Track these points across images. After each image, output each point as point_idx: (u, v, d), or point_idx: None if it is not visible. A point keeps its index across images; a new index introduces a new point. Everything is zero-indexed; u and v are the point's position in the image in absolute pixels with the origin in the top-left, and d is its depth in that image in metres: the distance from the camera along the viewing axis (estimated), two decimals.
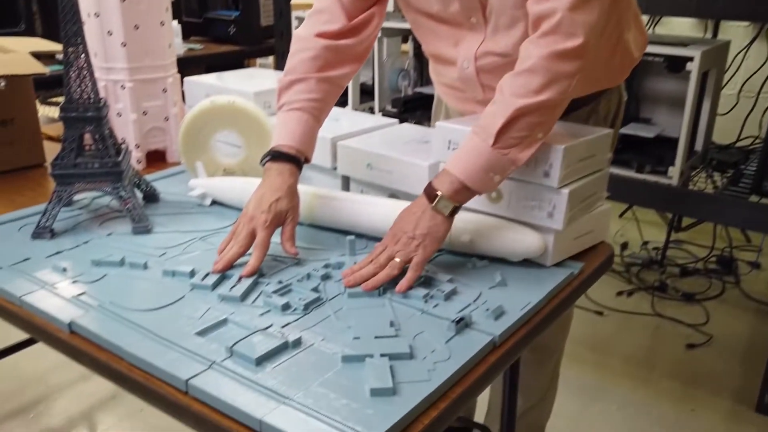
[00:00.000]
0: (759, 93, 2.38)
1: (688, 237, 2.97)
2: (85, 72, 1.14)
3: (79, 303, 0.92)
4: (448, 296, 0.95)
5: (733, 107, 2.40)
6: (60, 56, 1.11)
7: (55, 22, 1.07)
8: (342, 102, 2.58)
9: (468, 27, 1.13)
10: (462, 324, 0.87)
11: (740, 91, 2.44)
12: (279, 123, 1.13)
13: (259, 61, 4.16)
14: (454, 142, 1.09)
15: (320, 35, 1.15)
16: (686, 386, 2.05)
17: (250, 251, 1.02)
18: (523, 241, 1.02)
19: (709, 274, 2.70)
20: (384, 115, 2.51)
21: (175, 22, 3.02)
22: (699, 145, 2.03)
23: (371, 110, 2.56)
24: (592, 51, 0.97)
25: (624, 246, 2.93)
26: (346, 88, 2.50)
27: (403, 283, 0.96)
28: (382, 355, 0.80)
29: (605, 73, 1.23)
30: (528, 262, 1.06)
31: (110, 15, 1.39)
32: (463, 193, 0.99)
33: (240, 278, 0.98)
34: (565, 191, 1.00)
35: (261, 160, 1.11)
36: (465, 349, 0.83)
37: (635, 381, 2.08)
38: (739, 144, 2.32)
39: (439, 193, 0.98)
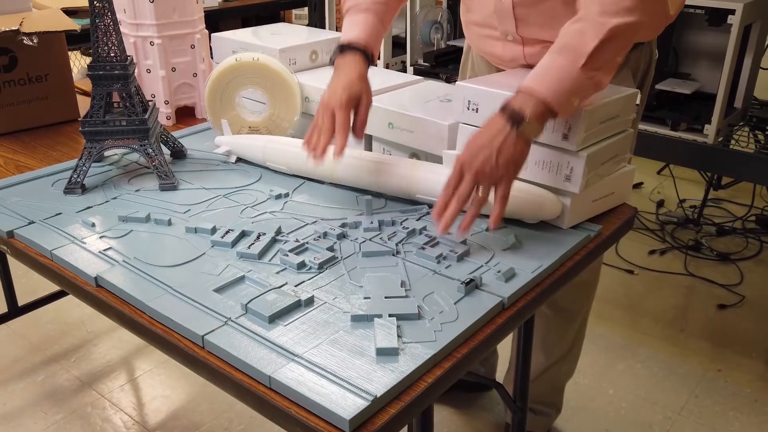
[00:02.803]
0: None
1: (727, 195, 2.90)
2: (112, 30, 1.16)
3: (106, 258, 0.96)
4: (461, 257, 0.96)
5: None
6: None
7: None
8: None
9: None
10: (471, 285, 0.88)
11: None
12: (346, 25, 1.18)
13: (295, 12, 4.14)
14: (474, 103, 1.09)
15: None
16: (714, 347, 2.04)
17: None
18: (539, 203, 1.02)
19: (746, 234, 2.64)
20: (415, 69, 2.48)
21: None
22: (739, 102, 1.96)
23: (403, 64, 2.54)
24: None
25: (660, 204, 2.88)
26: None
27: (493, 220, 0.93)
28: (391, 316, 0.82)
29: None
30: (544, 224, 1.06)
31: None
32: (546, 117, 0.94)
33: (258, 236, 1.00)
34: (584, 155, 0.99)
35: (330, 59, 1.16)
36: (473, 311, 0.84)
37: (663, 340, 2.07)
38: None
39: (526, 116, 0.92)
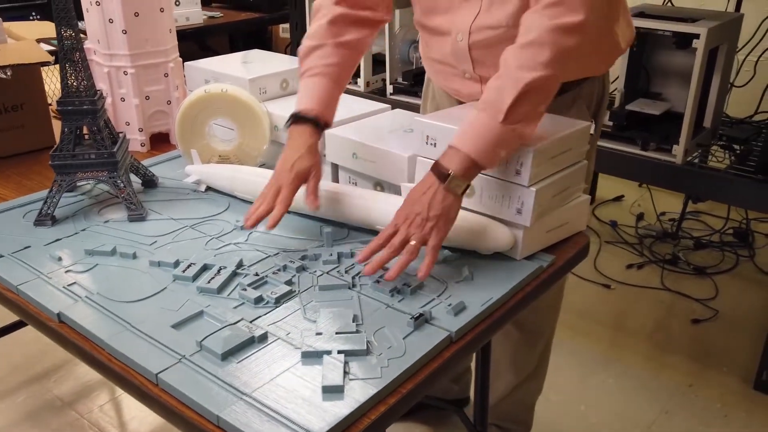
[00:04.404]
0: None
1: (706, 207, 2.94)
2: (80, 66, 1.19)
3: (69, 293, 0.99)
4: (414, 291, 0.99)
5: (750, 80, 2.34)
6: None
7: None
8: (355, 73, 2.59)
9: None
10: (421, 320, 0.91)
11: (756, 63, 2.38)
12: (300, 89, 1.19)
13: (282, 26, 4.17)
14: (432, 138, 1.12)
15: (339, 2, 1.20)
16: (687, 361, 2.07)
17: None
18: (492, 235, 1.06)
19: (723, 247, 2.68)
20: (395, 87, 2.52)
21: None
22: (708, 122, 2.00)
23: (383, 82, 2.57)
24: (591, 29, 0.99)
25: (640, 217, 2.92)
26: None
27: (423, 269, 0.98)
28: (339, 352, 0.85)
29: (592, 60, 1.24)
30: (499, 255, 1.09)
31: (111, 3, 1.43)
32: (473, 170, 1.01)
33: (219, 270, 1.03)
34: (533, 189, 1.02)
35: (285, 125, 1.18)
36: (421, 345, 0.87)
37: (637, 355, 2.11)
38: (757, 118, 2.27)
39: (450, 172, 0.99)
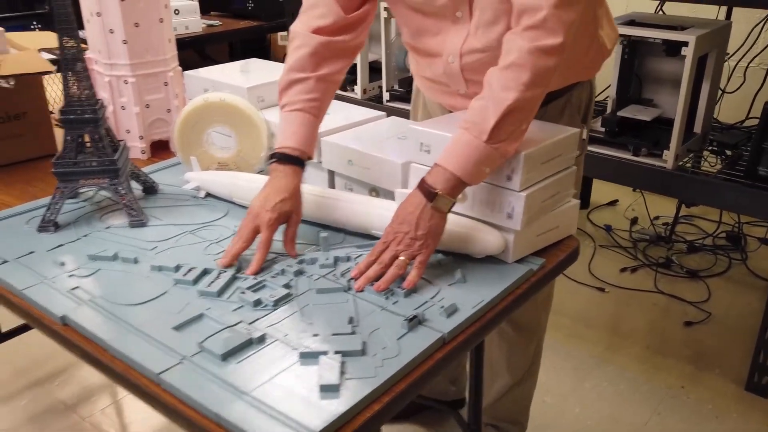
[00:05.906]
0: None
1: (699, 211, 2.98)
2: (82, 75, 1.22)
3: (73, 297, 1.02)
4: (408, 293, 1.02)
5: (740, 86, 2.38)
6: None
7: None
8: (353, 80, 2.63)
9: (452, 20, 1.18)
10: (415, 321, 0.94)
11: (746, 69, 2.42)
12: (282, 123, 1.19)
13: (280, 34, 4.21)
14: (425, 145, 1.15)
15: (316, 31, 1.20)
16: (679, 363, 2.10)
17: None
18: (483, 239, 1.09)
19: (716, 251, 2.71)
20: (391, 94, 2.55)
21: None
22: (699, 128, 2.04)
23: (380, 89, 2.60)
24: (568, 49, 1.02)
25: (634, 221, 2.95)
26: (354, 66, 2.55)
27: (409, 281, 1.02)
28: (336, 353, 0.88)
29: (581, 67, 1.28)
30: (491, 259, 1.12)
31: (111, 14, 1.47)
32: (458, 188, 1.04)
33: (219, 274, 1.06)
34: (523, 195, 1.05)
35: (268, 160, 1.19)
36: (414, 346, 0.90)
37: (630, 358, 2.13)
38: (747, 123, 2.31)
39: (437, 191, 1.03)
